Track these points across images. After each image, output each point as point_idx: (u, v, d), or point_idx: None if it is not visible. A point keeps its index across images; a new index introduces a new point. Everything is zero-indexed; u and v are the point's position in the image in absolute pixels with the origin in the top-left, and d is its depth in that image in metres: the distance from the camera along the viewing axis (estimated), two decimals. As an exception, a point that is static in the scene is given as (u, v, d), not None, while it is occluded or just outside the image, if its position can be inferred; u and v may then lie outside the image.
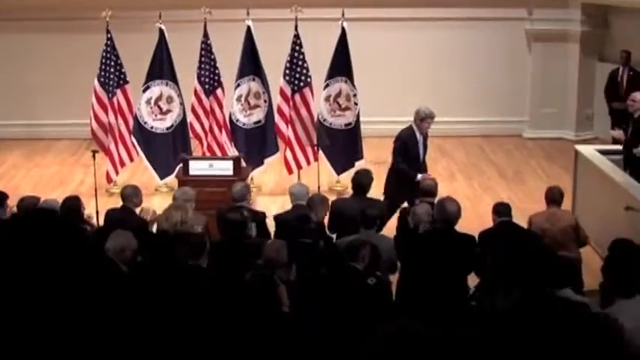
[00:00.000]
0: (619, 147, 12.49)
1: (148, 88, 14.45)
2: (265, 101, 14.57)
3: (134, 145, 14.58)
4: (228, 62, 14.50)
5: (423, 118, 11.93)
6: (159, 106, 14.52)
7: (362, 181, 10.70)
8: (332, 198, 10.88)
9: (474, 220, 11.07)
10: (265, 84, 14.49)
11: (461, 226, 9.23)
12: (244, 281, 7.69)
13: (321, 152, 14.36)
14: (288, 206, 10.50)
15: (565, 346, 6.09)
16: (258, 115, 14.62)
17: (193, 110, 14.54)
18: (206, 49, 14.38)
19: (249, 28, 14.34)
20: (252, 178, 14.51)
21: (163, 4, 15.11)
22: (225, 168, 13.02)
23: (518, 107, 18.16)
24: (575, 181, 12.72)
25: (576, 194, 12.56)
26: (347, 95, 14.51)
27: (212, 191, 11.65)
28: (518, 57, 18.03)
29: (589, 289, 8.48)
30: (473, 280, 9.03)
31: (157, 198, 13.94)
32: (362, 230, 9.33)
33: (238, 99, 14.52)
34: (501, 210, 9.69)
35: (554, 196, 10.30)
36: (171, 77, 14.49)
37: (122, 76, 14.59)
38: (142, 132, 14.54)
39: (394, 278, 9.12)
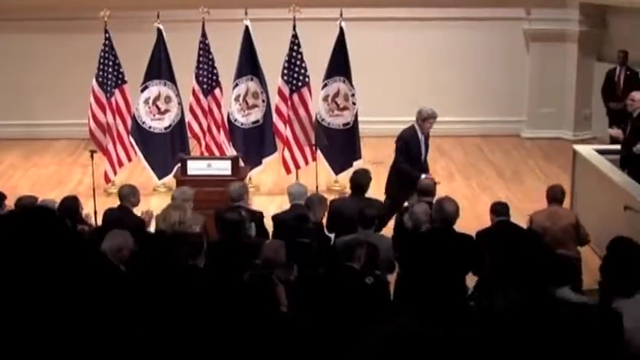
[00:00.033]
0: (617, 147, 12.50)
1: (146, 87, 14.45)
2: (263, 101, 14.57)
3: (132, 145, 14.58)
4: (227, 62, 14.51)
5: (425, 118, 11.91)
6: (157, 106, 14.52)
7: (360, 181, 10.70)
8: (330, 198, 10.86)
9: (473, 220, 11.07)
10: (263, 84, 14.48)
11: (459, 226, 9.22)
12: (242, 281, 7.68)
13: (319, 152, 14.35)
14: (287, 206, 10.49)
15: (563, 345, 6.09)
16: (257, 114, 14.62)
17: (191, 110, 14.53)
18: (204, 49, 14.38)
19: (247, 27, 14.34)
20: (250, 178, 14.51)
21: (161, 4, 15.10)
22: (223, 168, 13.01)
23: (516, 107, 18.17)
24: (574, 181, 12.72)
25: (575, 194, 12.55)
26: (345, 95, 14.51)
27: (210, 191, 11.63)
28: (516, 57, 18.04)
29: (587, 288, 8.48)
30: (471, 280, 9.04)
31: (155, 198, 13.92)
32: (360, 230, 9.32)
33: (236, 99, 14.52)
34: (499, 209, 9.70)
35: (555, 195, 10.32)
36: (170, 77, 14.49)
37: (120, 76, 14.59)
38: (140, 132, 14.54)
39: (392, 278, 9.13)
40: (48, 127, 17.80)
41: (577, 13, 17.64)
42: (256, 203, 13.49)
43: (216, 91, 14.47)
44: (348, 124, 14.59)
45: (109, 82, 14.44)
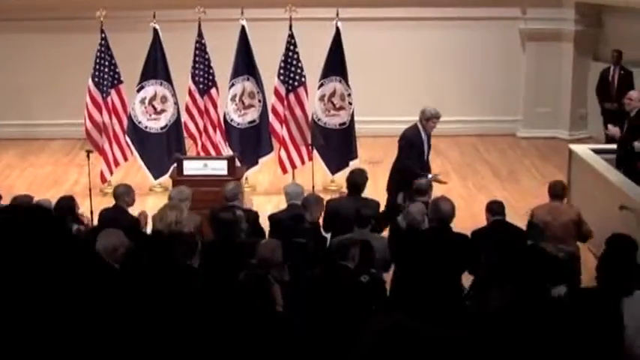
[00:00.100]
0: (613, 146, 12.52)
1: (142, 87, 14.45)
2: (260, 101, 14.57)
3: (128, 145, 14.57)
4: (223, 62, 14.50)
5: (429, 118, 11.89)
6: (153, 106, 14.51)
7: (357, 181, 10.70)
8: (327, 198, 10.86)
9: (468, 220, 11.07)
10: (260, 84, 14.49)
11: (455, 226, 9.23)
12: (238, 281, 7.68)
13: (315, 152, 14.36)
14: (283, 206, 10.50)
15: (561, 344, 6.10)
16: (253, 114, 14.62)
17: (188, 110, 14.53)
18: (200, 49, 14.37)
19: (243, 27, 14.33)
20: (246, 178, 14.51)
21: (157, 4, 15.07)
22: (219, 168, 13.02)
23: (512, 106, 18.18)
24: (569, 181, 12.72)
25: (570, 193, 12.55)
26: (341, 95, 14.51)
27: (206, 191, 11.62)
28: (512, 56, 18.05)
29: (584, 286, 8.51)
30: (467, 279, 9.05)
31: (152, 198, 13.94)
32: (356, 229, 9.33)
33: (233, 99, 14.52)
34: (495, 208, 9.70)
35: (556, 190, 10.35)
36: (166, 77, 14.48)
37: (116, 76, 14.58)
38: (136, 132, 14.53)
39: (388, 277, 9.13)
40: (44, 127, 17.80)
41: (573, 13, 17.65)
42: (252, 203, 13.50)
43: (213, 90, 14.47)
44: (344, 123, 14.59)
45: (105, 82, 14.43)
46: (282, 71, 14.36)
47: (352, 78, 14.50)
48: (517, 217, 10.51)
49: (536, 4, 17.70)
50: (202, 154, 14.36)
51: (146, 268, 7.81)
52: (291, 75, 14.32)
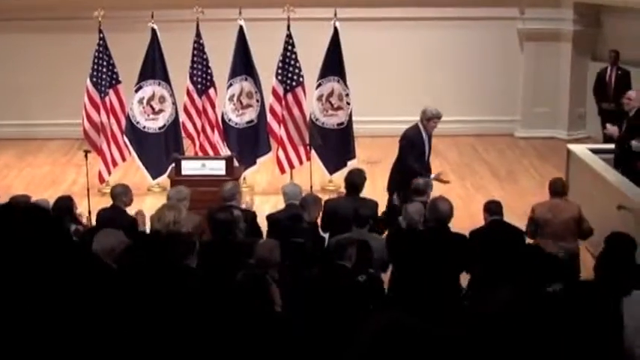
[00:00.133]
0: (611, 146, 12.53)
1: (140, 87, 14.45)
2: (258, 101, 14.57)
3: (126, 145, 14.57)
4: (221, 62, 14.50)
5: (430, 118, 11.87)
6: (151, 106, 14.51)
7: (355, 181, 10.69)
8: (325, 198, 10.86)
9: (467, 220, 11.07)
10: (258, 83, 14.48)
11: (453, 225, 9.24)
12: (236, 281, 7.68)
13: (313, 152, 14.37)
14: (281, 206, 10.50)
15: (559, 341, 6.10)
16: (251, 114, 14.62)
17: (186, 110, 14.53)
18: (198, 49, 14.38)
19: (241, 27, 14.33)
20: (244, 178, 14.51)
21: (155, 4, 15.09)
22: (217, 168, 13.02)
23: (510, 106, 18.18)
24: (568, 181, 12.69)
25: (569, 193, 12.55)
26: (339, 95, 14.51)
27: (204, 191, 11.61)
28: (510, 56, 18.06)
29: (584, 279, 8.51)
30: (465, 279, 9.05)
31: (150, 198, 13.94)
32: (354, 229, 9.34)
33: (231, 99, 14.52)
34: (492, 208, 9.70)
35: (556, 188, 10.36)
36: (164, 77, 14.48)
37: (114, 76, 14.58)
38: (134, 132, 14.53)
39: (385, 277, 9.13)
40: (42, 126, 17.79)
41: (571, 13, 17.67)
42: (254, 202, 13.51)
43: (211, 91, 14.48)
44: (342, 123, 14.60)
45: (104, 82, 14.43)
46: (280, 71, 14.36)
47: (350, 78, 14.50)
48: (515, 216, 10.50)
49: (535, 4, 17.71)
50: (200, 154, 14.36)
51: (144, 268, 7.80)
52: (289, 75, 14.32)
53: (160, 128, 14.59)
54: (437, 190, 11.26)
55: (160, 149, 14.52)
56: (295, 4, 14.41)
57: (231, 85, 14.46)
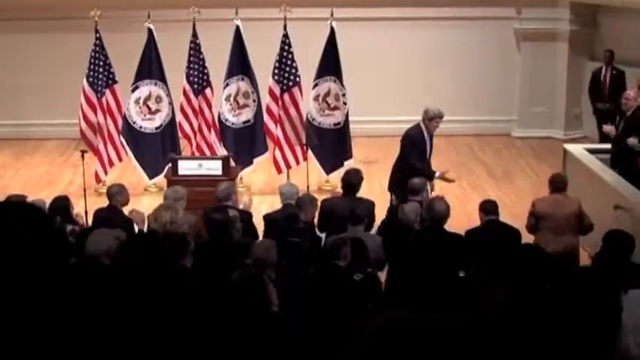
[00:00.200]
0: (608, 146, 12.54)
1: (136, 87, 14.44)
2: (254, 101, 14.56)
3: (123, 145, 14.56)
4: (217, 62, 14.50)
5: (432, 118, 11.87)
6: (148, 106, 14.50)
7: (352, 181, 10.70)
8: (321, 198, 10.86)
9: (463, 219, 11.07)
10: (254, 83, 14.48)
11: (450, 225, 9.25)
12: (232, 281, 7.67)
13: (310, 152, 14.35)
14: (278, 206, 10.51)
15: (556, 339, 6.10)
16: (247, 114, 14.61)
17: (182, 110, 14.52)
18: (195, 49, 14.37)
19: (237, 27, 14.33)
20: (241, 178, 14.51)
21: (152, 4, 15.08)
22: (214, 168, 13.02)
23: (507, 106, 18.19)
24: (564, 180, 12.74)
25: (565, 193, 12.58)
26: (336, 95, 14.51)
27: (201, 191, 11.61)
28: (507, 56, 18.06)
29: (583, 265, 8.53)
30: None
31: (146, 198, 13.92)
32: (349, 228, 9.34)
33: (227, 98, 14.51)
34: (488, 208, 9.69)
35: (557, 183, 10.36)
36: (160, 77, 14.48)
37: (111, 76, 14.57)
38: (130, 132, 14.52)
39: (382, 277, 9.13)
40: (38, 127, 17.77)
41: (568, 13, 17.67)
42: (253, 202, 13.51)
43: (207, 90, 14.46)
44: (338, 123, 14.59)
45: (100, 82, 14.42)
46: (276, 71, 14.35)
47: (347, 78, 14.51)
48: (511, 216, 10.52)
49: (532, 4, 17.71)
50: (197, 154, 14.35)
51: (139, 268, 7.80)
52: (286, 75, 14.32)
53: (156, 128, 14.58)
54: (439, 189, 11.28)
55: (156, 149, 14.52)
56: (292, 4, 14.41)
57: (227, 85, 14.45)
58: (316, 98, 14.53)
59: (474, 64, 17.87)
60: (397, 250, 9.03)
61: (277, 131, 14.44)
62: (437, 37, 17.75)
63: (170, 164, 13.36)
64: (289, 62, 14.30)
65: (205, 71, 14.43)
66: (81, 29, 15.35)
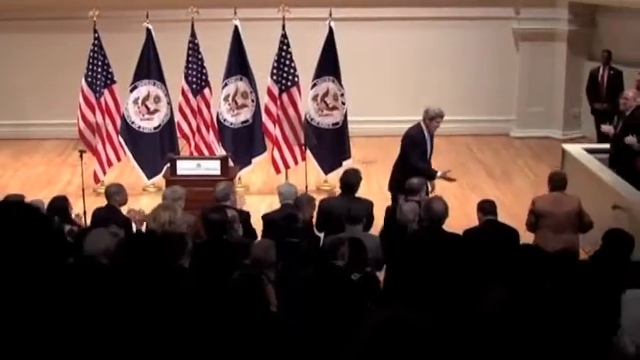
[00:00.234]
0: (606, 145, 12.54)
1: (135, 87, 14.44)
2: (253, 101, 14.56)
3: (121, 145, 14.55)
4: (216, 62, 14.49)
5: (433, 117, 11.87)
6: (146, 106, 14.50)
7: (350, 181, 10.69)
8: (320, 198, 10.86)
9: (462, 219, 11.06)
10: (253, 83, 14.47)
11: (448, 225, 9.24)
12: (230, 281, 7.67)
13: (308, 152, 14.35)
14: (276, 206, 10.51)
15: (555, 338, 6.10)
16: (246, 114, 14.61)
17: (181, 110, 14.52)
18: (193, 49, 14.36)
19: (236, 27, 14.33)
20: (239, 178, 14.51)
21: (150, 4, 15.06)
22: (212, 168, 13.03)
23: (505, 106, 18.19)
24: (563, 180, 12.74)
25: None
26: (334, 95, 14.51)
27: (200, 191, 11.62)
28: (505, 56, 18.07)
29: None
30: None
31: (145, 198, 13.92)
32: (347, 227, 9.34)
33: (226, 98, 14.51)
34: (486, 207, 9.69)
35: (557, 181, 10.37)
36: (159, 77, 14.47)
37: (109, 76, 14.56)
38: (129, 132, 14.52)
39: (381, 277, 9.13)
40: (37, 127, 17.77)
41: (566, 13, 17.69)
42: (246, 203, 13.50)
43: (206, 90, 14.46)
44: (337, 123, 14.59)
45: (98, 82, 14.41)
46: (275, 71, 14.35)
47: (345, 78, 14.50)
48: (510, 216, 10.52)
49: (530, 4, 17.72)
50: (195, 154, 14.35)
51: (137, 268, 7.80)
52: (284, 75, 14.32)
53: (155, 128, 14.58)
54: (438, 189, 11.27)
55: (155, 149, 14.51)
56: (290, 3, 14.41)
57: (226, 85, 14.45)
58: (315, 98, 14.52)
59: (472, 64, 17.88)
60: (395, 250, 9.03)
61: (276, 131, 14.44)
62: (435, 37, 17.75)
63: (169, 164, 13.37)
64: (288, 62, 14.30)
65: (204, 71, 14.43)
66: (79, 29, 15.35)
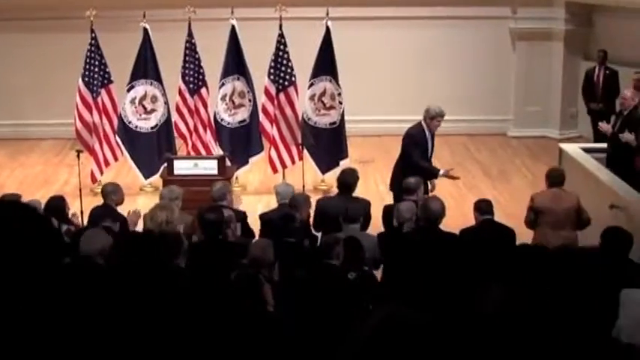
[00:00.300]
0: (603, 145, 12.55)
1: (132, 87, 14.43)
2: (250, 100, 14.56)
3: (118, 145, 14.56)
4: (213, 61, 14.49)
5: (434, 117, 11.86)
6: (143, 106, 14.49)
7: (348, 180, 10.69)
8: (317, 197, 10.86)
9: (459, 219, 11.07)
10: (250, 83, 14.48)
11: (445, 225, 9.25)
12: (227, 280, 7.67)
13: (305, 151, 14.36)
14: (274, 205, 10.51)
15: (554, 338, 6.10)
16: (243, 114, 14.61)
17: (178, 110, 14.52)
18: (190, 49, 14.36)
19: (233, 27, 14.33)
20: (237, 178, 14.51)
21: (147, 4, 15.07)
22: (209, 167, 13.03)
23: (502, 106, 18.20)
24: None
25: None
26: (331, 94, 14.51)
27: (197, 191, 11.61)
28: (502, 56, 18.07)
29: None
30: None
31: (142, 198, 13.91)
32: (344, 227, 9.34)
33: (223, 98, 14.51)
34: (483, 207, 9.69)
35: (555, 177, 10.37)
36: (156, 77, 14.47)
37: (106, 76, 14.56)
38: (126, 131, 14.52)
39: (378, 276, 9.13)
40: (34, 126, 17.75)
41: (563, 12, 17.69)
42: (243, 202, 13.50)
43: (203, 90, 14.46)
44: (334, 123, 14.59)
45: (95, 82, 14.41)
46: (272, 71, 14.35)
47: (342, 77, 14.50)
48: (507, 216, 10.52)
49: (527, 3, 17.73)
50: (193, 153, 14.34)
51: (132, 268, 7.79)
52: (282, 74, 14.32)
53: (152, 128, 14.57)
54: (439, 188, 11.27)
55: (152, 149, 14.51)
56: (287, 3, 14.41)
57: (223, 84, 14.45)
58: (312, 98, 14.52)
59: (469, 63, 17.88)
60: (392, 249, 9.03)
61: (273, 131, 14.44)
62: (432, 36, 17.76)
63: (166, 164, 13.37)
64: (285, 62, 14.30)
65: (201, 71, 14.43)
66: (76, 29, 15.34)
